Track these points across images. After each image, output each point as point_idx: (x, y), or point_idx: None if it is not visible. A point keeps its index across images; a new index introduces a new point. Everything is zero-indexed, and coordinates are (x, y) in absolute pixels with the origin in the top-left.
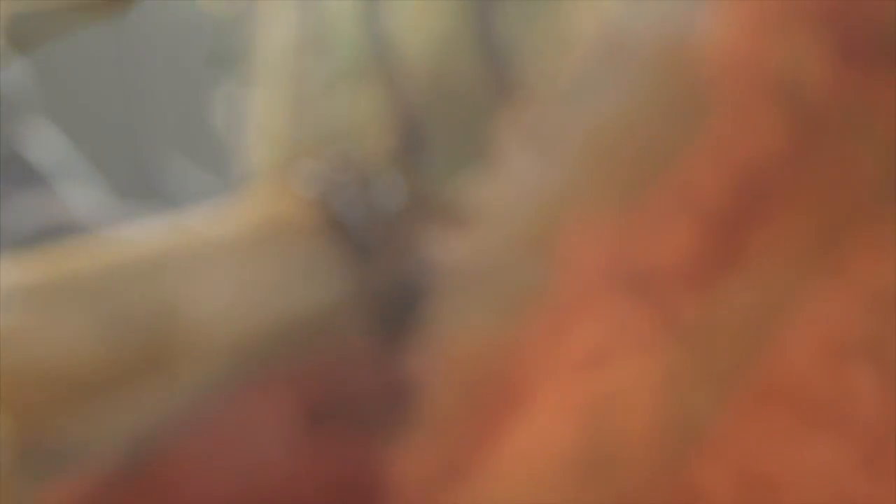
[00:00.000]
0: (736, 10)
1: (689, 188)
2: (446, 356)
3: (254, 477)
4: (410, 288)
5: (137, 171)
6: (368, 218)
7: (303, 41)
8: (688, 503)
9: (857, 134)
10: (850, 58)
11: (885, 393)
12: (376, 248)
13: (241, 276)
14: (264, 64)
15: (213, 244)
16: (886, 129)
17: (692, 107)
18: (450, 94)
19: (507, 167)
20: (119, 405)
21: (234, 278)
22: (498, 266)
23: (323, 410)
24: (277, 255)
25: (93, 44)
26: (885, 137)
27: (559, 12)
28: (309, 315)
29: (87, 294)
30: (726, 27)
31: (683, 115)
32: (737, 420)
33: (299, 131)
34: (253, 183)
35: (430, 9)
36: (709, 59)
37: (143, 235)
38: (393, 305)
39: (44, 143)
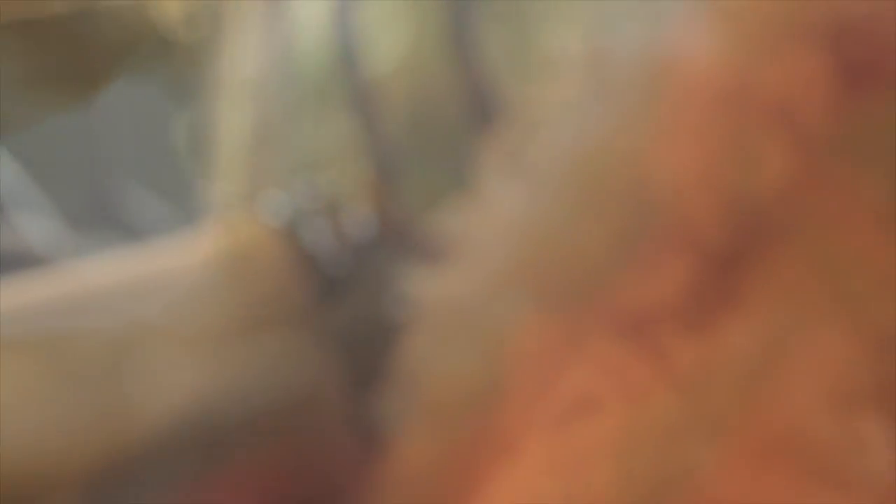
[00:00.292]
0: (728, 30)
1: (683, 223)
2: (423, 403)
3: None
4: (384, 327)
5: (94, 200)
6: (339, 250)
7: (268, 65)
8: None
9: (862, 164)
10: (853, 82)
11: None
12: (347, 283)
13: (201, 326)
14: (228, 89)
15: (171, 281)
16: (893, 159)
17: (685, 136)
18: (425, 118)
19: (489, 198)
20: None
21: (193, 329)
22: (479, 305)
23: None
24: (240, 293)
25: None
26: (893, 168)
27: (541, 32)
28: (276, 367)
29: (38, 341)
30: (719, 48)
31: (678, 146)
32: (736, 473)
33: (265, 159)
34: (216, 213)
35: (403, 29)
36: (701, 82)
37: (100, 269)
38: (365, 345)
39: None
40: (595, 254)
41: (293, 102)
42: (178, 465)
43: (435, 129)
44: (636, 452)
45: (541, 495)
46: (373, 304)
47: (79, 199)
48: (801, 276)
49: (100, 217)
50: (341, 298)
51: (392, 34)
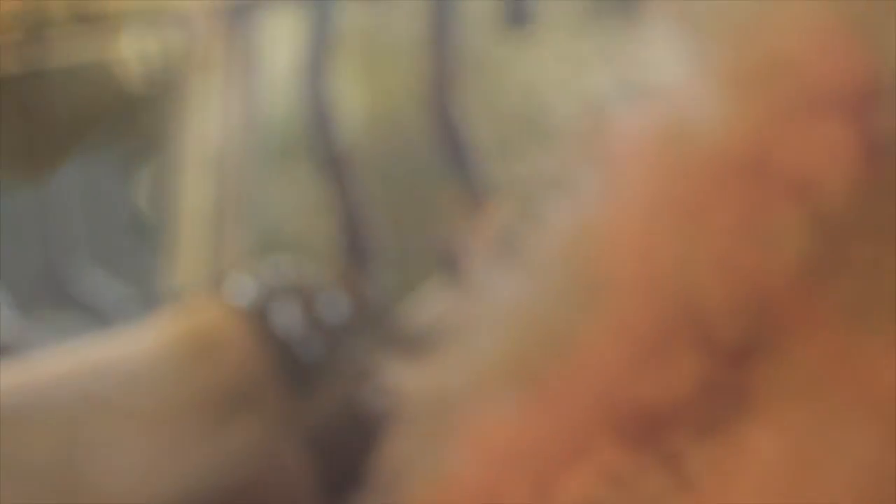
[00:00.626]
0: (744, 98)
1: (693, 312)
2: None
3: None
4: (361, 421)
5: (48, 280)
6: (311, 334)
7: (234, 132)
8: None
9: (885, 244)
10: (875, 157)
11: None
12: (320, 370)
13: (157, 412)
14: (191, 159)
15: (128, 366)
16: None
17: (698, 213)
18: (402, 189)
19: (474, 283)
20: None
21: (149, 414)
22: (465, 400)
23: None
24: (202, 378)
25: None
26: None
27: (529, 93)
28: (240, 461)
29: None
30: (732, 117)
31: (687, 225)
32: None
33: (231, 235)
34: (177, 294)
35: (379, 91)
36: (713, 155)
37: (55, 358)
38: (340, 442)
39: None
40: (594, 348)
41: (260, 172)
42: None
43: (412, 203)
44: None
45: None
46: (348, 394)
47: (32, 279)
48: (821, 372)
49: (55, 299)
50: (314, 387)
51: (366, 97)
